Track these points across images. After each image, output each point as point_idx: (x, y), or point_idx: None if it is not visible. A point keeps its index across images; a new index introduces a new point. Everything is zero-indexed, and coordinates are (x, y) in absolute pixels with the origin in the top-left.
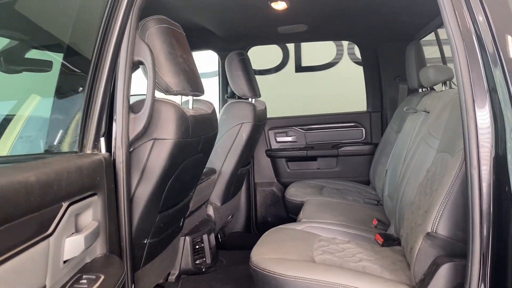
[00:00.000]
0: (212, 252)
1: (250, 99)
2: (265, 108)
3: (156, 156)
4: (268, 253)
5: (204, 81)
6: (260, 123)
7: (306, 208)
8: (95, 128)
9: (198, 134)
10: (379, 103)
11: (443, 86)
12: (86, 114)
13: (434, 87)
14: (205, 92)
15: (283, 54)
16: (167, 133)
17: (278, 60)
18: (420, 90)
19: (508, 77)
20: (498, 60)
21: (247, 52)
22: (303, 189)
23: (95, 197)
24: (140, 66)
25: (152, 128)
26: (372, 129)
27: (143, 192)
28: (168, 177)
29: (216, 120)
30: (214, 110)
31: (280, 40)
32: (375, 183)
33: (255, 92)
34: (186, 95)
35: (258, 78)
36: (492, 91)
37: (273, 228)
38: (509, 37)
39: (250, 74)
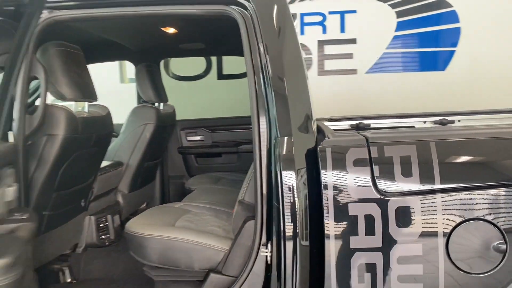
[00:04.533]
0: (116, 229)
1: (156, 104)
2: (174, 111)
3: (49, 148)
4: (140, 221)
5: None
6: (165, 124)
7: (194, 193)
8: (4, 122)
9: (89, 131)
10: None
11: None
12: None
13: None
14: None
15: (207, 63)
16: (58, 130)
17: (202, 68)
18: None
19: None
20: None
21: (159, 63)
22: (201, 179)
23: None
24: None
25: (46, 126)
26: None
27: (39, 175)
28: (59, 165)
29: (111, 120)
30: (108, 113)
31: (185, 54)
32: None
33: (161, 98)
34: (79, 101)
35: (186, 83)
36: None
37: (157, 206)
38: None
39: (156, 82)
